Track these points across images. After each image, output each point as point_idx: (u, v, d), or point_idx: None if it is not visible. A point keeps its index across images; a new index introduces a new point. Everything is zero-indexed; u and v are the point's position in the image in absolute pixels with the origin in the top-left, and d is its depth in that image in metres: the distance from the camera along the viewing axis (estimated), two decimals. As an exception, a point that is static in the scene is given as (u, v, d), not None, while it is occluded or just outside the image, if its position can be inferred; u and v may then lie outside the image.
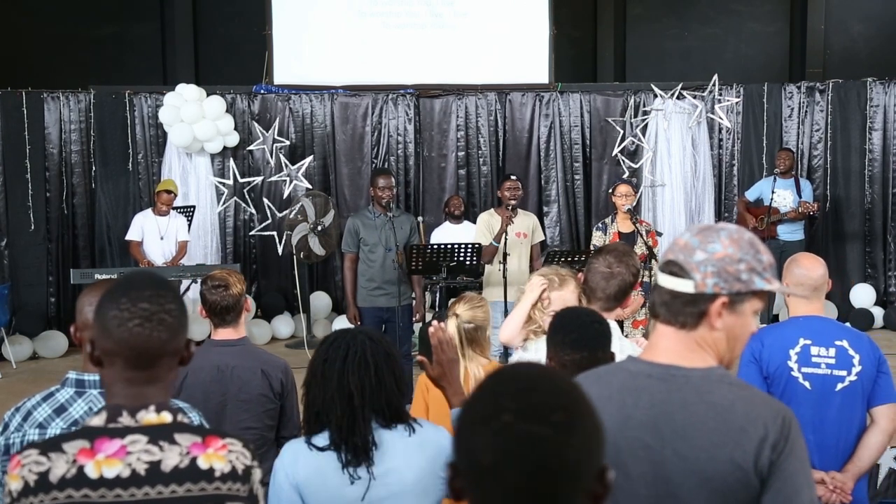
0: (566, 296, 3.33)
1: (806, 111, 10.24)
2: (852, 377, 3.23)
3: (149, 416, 1.77)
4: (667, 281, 1.78)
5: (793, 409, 3.17)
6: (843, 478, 3.24)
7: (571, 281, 3.40)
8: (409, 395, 2.40)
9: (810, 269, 3.33)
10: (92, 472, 1.71)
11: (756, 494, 1.71)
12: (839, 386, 3.23)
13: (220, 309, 3.42)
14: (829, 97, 10.17)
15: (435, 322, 2.67)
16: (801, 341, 3.26)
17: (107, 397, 1.83)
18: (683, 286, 1.76)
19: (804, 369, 3.24)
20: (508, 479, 1.20)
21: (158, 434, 1.76)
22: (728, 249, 1.75)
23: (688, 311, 1.77)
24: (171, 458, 1.74)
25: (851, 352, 3.25)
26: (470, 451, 1.23)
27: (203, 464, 1.76)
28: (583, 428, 1.24)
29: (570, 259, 6.63)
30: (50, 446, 1.74)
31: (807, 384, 3.23)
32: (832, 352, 3.24)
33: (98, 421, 1.77)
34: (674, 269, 1.77)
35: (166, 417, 1.79)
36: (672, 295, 1.78)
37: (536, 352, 3.34)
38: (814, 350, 3.24)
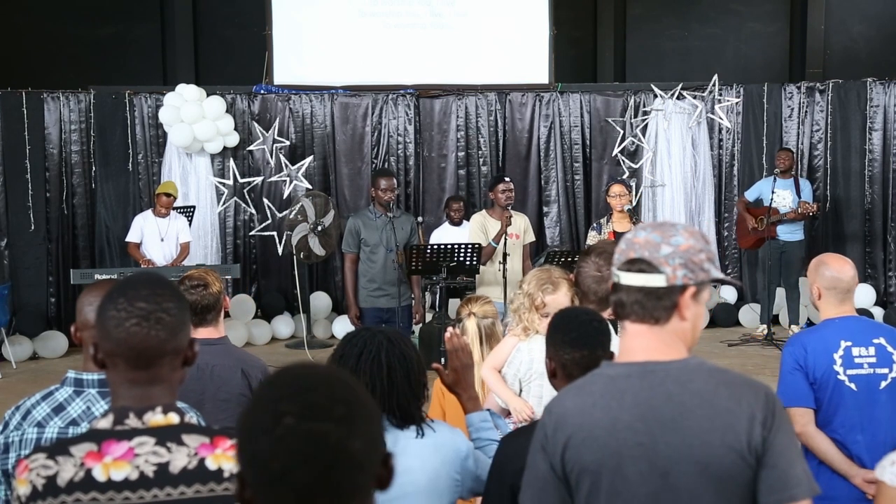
0: (559, 299, 3.37)
1: (806, 111, 10.24)
2: (894, 374, 3.27)
3: (156, 418, 1.77)
4: (637, 279, 1.81)
5: (841, 412, 3.22)
6: None
7: (564, 283, 3.43)
8: (424, 397, 2.38)
9: (841, 270, 3.35)
10: (100, 474, 1.71)
11: (753, 474, 1.74)
12: (882, 384, 3.26)
13: (201, 308, 3.34)
14: (829, 97, 10.17)
15: (450, 329, 2.68)
16: (843, 343, 3.28)
17: (112, 399, 1.82)
18: (655, 281, 1.80)
19: (849, 371, 3.27)
20: (299, 480, 1.22)
21: (166, 435, 1.76)
22: (690, 241, 1.81)
23: (660, 306, 1.81)
24: (179, 459, 1.74)
25: (890, 348, 3.28)
26: (257, 461, 1.24)
27: (211, 465, 1.75)
28: (363, 418, 1.26)
29: (569, 259, 6.63)
30: (57, 450, 1.73)
31: (852, 386, 3.26)
32: (872, 350, 3.28)
33: (105, 423, 1.77)
34: (642, 266, 1.81)
35: (173, 419, 1.78)
36: (644, 292, 1.81)
37: (530, 352, 3.40)
38: (855, 351, 3.27)
